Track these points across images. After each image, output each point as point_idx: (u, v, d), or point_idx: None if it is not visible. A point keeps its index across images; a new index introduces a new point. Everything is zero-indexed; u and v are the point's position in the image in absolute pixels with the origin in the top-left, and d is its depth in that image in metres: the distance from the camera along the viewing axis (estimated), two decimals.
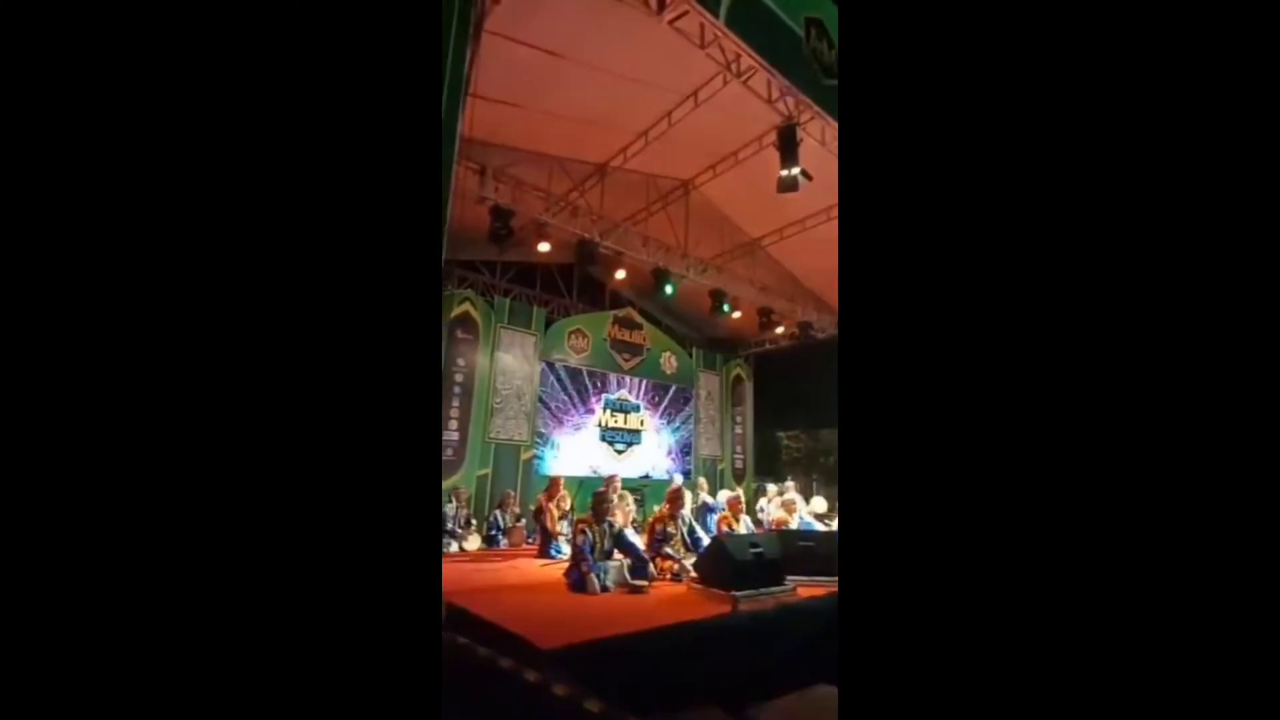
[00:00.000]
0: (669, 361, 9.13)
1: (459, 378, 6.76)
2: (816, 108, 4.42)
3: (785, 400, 9.85)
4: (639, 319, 8.83)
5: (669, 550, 4.26)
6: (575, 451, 7.78)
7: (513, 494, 6.40)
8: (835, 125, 4.60)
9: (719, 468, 9.58)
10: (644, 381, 8.74)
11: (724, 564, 3.50)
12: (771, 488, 6.77)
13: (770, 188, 5.03)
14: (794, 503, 5.53)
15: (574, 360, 7.97)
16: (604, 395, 8.25)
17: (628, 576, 3.76)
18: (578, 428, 7.89)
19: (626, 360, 8.57)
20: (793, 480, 6.97)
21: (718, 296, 7.48)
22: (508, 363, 7.25)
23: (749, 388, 10.27)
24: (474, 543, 5.64)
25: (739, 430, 10.09)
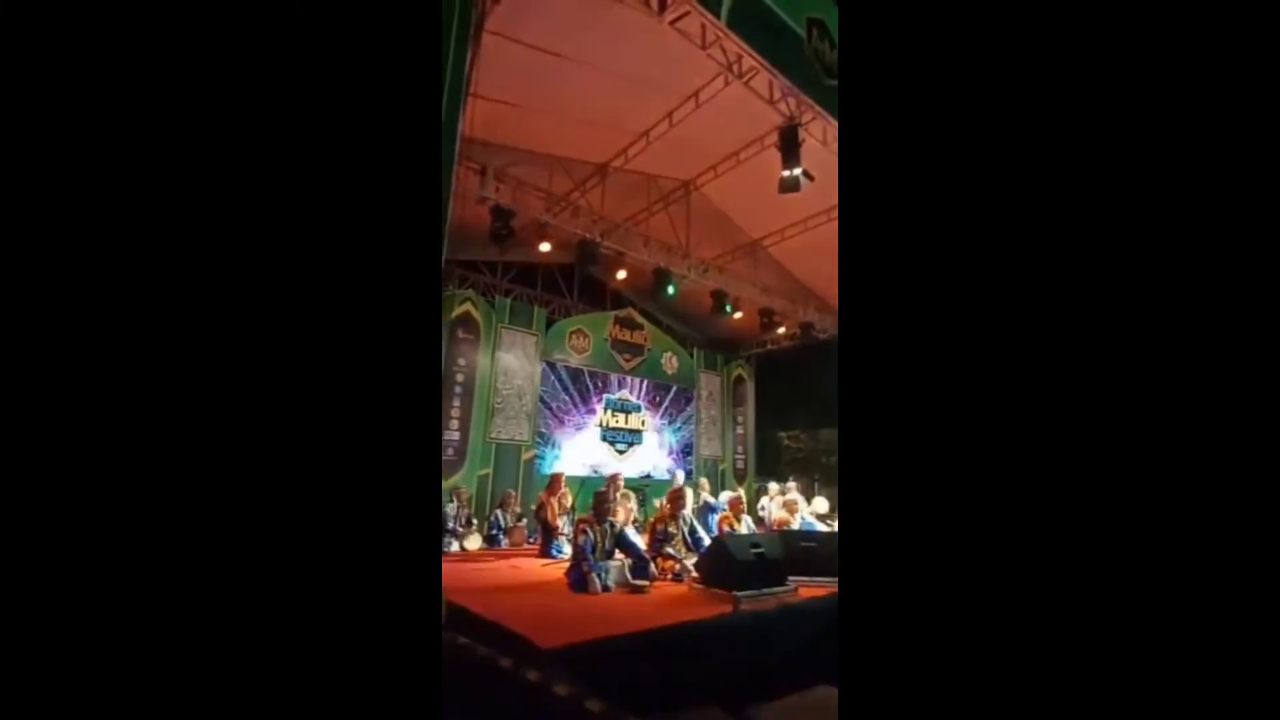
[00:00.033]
0: (670, 362, 9.13)
1: (460, 378, 6.77)
2: (818, 108, 4.42)
3: (786, 400, 9.85)
4: (640, 319, 8.83)
5: (670, 550, 4.26)
6: (576, 451, 7.79)
7: (514, 494, 6.40)
8: (836, 125, 4.60)
9: (720, 468, 9.57)
10: (645, 382, 8.74)
11: (725, 564, 3.49)
12: (773, 485, 6.76)
13: (772, 188, 5.02)
14: (796, 503, 5.52)
15: (575, 360, 7.97)
16: (605, 395, 8.25)
17: (629, 576, 3.76)
18: (579, 428, 7.90)
19: (628, 360, 8.57)
20: (794, 480, 6.97)
21: (719, 297, 7.48)
22: (509, 363, 7.26)
23: (750, 388, 10.27)
24: (475, 542, 5.64)
25: (740, 430, 10.09)
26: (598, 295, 8.78)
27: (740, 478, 9.71)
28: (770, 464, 9.93)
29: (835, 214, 6.41)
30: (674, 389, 9.11)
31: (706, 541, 4.23)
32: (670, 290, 6.96)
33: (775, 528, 5.30)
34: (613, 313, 8.62)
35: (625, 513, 4.45)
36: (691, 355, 9.52)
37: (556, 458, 7.50)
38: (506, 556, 5.30)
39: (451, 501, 5.81)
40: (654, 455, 8.69)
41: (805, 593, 3.57)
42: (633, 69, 4.69)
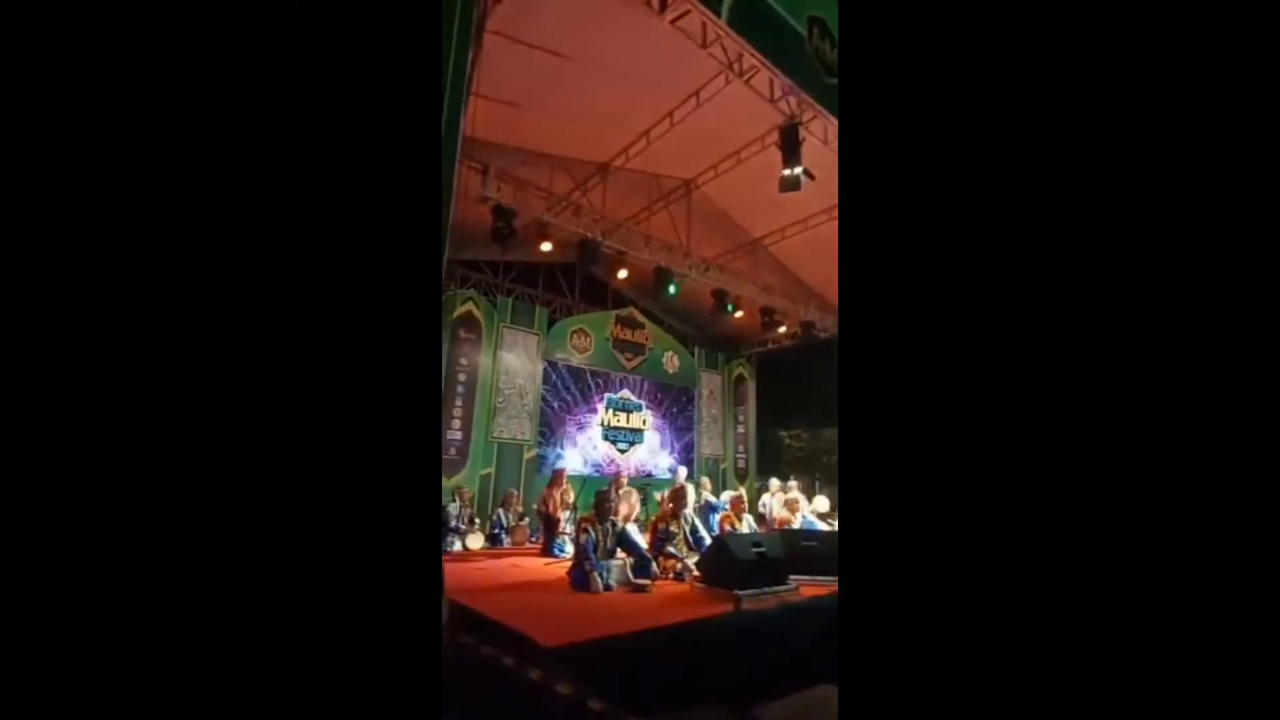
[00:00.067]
0: (671, 361, 9.14)
1: (462, 377, 6.78)
2: (819, 107, 4.42)
3: (788, 399, 9.85)
4: (641, 318, 8.83)
5: (672, 549, 4.26)
6: (578, 450, 7.80)
7: (516, 493, 6.42)
8: (837, 124, 4.59)
9: (721, 467, 9.57)
10: (646, 381, 8.75)
11: (727, 563, 3.50)
12: (775, 482, 6.77)
13: (773, 187, 5.03)
14: (797, 502, 5.52)
15: (576, 359, 7.98)
16: (606, 394, 8.26)
17: (630, 575, 3.76)
18: (580, 427, 7.90)
19: (629, 360, 8.57)
20: (795, 479, 6.97)
21: (720, 296, 7.48)
22: (510, 362, 7.27)
23: (751, 387, 10.27)
24: (477, 541, 5.65)
25: (741, 429, 10.09)
26: (599, 294, 8.79)
27: (741, 477, 9.71)
28: (771, 463, 9.93)
29: (836, 213, 6.41)
30: (675, 388, 9.12)
31: (708, 541, 4.23)
32: (671, 289, 6.97)
33: (777, 526, 5.31)
34: (614, 312, 8.62)
35: (628, 508, 4.45)
36: (693, 354, 9.52)
37: (558, 456, 7.51)
38: (508, 555, 5.31)
39: (454, 501, 5.82)
40: (655, 454, 8.70)
41: (807, 591, 3.57)
42: (633, 68, 4.69)
